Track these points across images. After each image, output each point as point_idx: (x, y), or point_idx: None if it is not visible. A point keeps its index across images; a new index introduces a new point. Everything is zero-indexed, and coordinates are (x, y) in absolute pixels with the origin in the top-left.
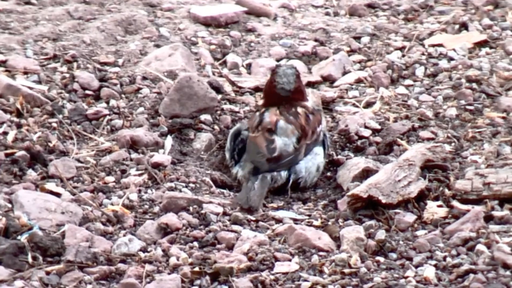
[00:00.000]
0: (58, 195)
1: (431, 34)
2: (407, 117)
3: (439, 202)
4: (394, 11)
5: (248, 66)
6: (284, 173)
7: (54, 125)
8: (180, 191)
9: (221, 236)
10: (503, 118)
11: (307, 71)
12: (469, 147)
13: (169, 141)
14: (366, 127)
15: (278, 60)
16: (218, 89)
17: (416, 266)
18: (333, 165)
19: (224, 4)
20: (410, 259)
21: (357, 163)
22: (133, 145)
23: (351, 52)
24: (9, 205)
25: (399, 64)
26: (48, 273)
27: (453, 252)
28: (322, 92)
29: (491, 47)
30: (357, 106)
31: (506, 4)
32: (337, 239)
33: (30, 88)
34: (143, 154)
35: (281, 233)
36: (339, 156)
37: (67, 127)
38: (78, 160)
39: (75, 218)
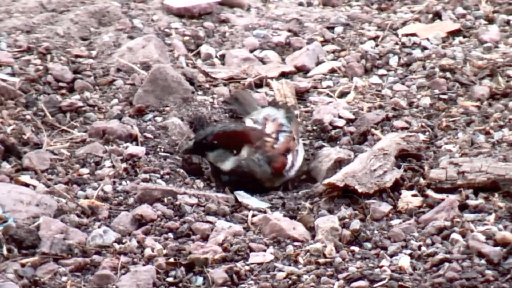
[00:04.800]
0: (32, 187)
1: (404, 23)
2: (381, 107)
3: (414, 192)
4: (367, 1)
5: (222, 57)
6: None
7: (28, 117)
8: (155, 182)
9: (195, 227)
10: (477, 107)
11: (281, 61)
12: (443, 136)
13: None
14: (340, 117)
15: (251, 51)
16: (191, 80)
17: (391, 256)
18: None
19: None
20: (385, 248)
21: (328, 154)
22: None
23: (325, 42)
24: None
25: (373, 54)
26: (23, 265)
27: (428, 241)
28: (296, 83)
29: (464, 36)
30: (331, 96)
31: None
32: (312, 229)
33: (4, 80)
34: (117, 145)
35: (256, 224)
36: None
37: (41, 119)
38: (53, 152)
39: (50, 210)
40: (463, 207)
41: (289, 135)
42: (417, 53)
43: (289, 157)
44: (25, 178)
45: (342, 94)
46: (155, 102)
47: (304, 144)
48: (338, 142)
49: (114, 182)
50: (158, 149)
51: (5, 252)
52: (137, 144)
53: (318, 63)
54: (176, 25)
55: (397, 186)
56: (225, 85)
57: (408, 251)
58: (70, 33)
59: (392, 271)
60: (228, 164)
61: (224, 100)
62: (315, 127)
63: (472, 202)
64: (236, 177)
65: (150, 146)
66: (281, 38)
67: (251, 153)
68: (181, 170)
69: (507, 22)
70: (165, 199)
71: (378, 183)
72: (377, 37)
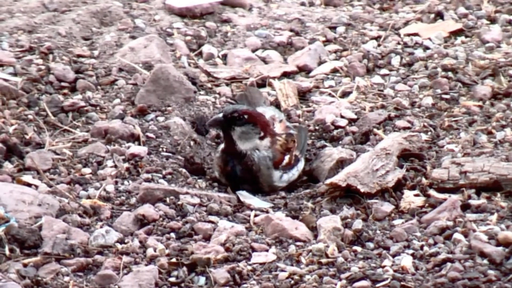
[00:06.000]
0: (34, 187)
1: (406, 23)
2: (383, 107)
3: (416, 191)
4: (369, 1)
5: (224, 57)
6: None
7: (30, 117)
8: (157, 182)
9: (198, 227)
10: (479, 106)
11: (283, 61)
12: (445, 136)
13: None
14: (342, 116)
15: (253, 51)
16: (193, 80)
17: (393, 256)
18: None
19: None
20: (387, 248)
21: (331, 154)
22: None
23: (327, 42)
24: None
25: (375, 54)
26: (25, 265)
27: (430, 241)
28: (298, 82)
29: (466, 36)
30: (333, 96)
31: None
32: (314, 229)
33: (6, 80)
34: (119, 145)
35: (258, 224)
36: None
37: (43, 119)
38: (55, 152)
39: (52, 210)
40: (465, 207)
41: (292, 137)
42: (419, 53)
43: (287, 156)
44: (27, 178)
45: (344, 94)
46: (157, 102)
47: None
48: (340, 142)
49: (116, 182)
50: (160, 149)
51: (7, 252)
52: (139, 144)
53: (320, 63)
54: (178, 25)
55: (399, 186)
56: (227, 84)
57: (411, 251)
58: (72, 33)
59: (395, 271)
60: (247, 145)
61: (233, 98)
62: (317, 127)
63: (474, 202)
64: (243, 169)
65: (152, 146)
66: (283, 38)
67: (267, 148)
68: (184, 170)
69: (509, 22)
70: (167, 199)
71: (380, 183)
72: (379, 37)
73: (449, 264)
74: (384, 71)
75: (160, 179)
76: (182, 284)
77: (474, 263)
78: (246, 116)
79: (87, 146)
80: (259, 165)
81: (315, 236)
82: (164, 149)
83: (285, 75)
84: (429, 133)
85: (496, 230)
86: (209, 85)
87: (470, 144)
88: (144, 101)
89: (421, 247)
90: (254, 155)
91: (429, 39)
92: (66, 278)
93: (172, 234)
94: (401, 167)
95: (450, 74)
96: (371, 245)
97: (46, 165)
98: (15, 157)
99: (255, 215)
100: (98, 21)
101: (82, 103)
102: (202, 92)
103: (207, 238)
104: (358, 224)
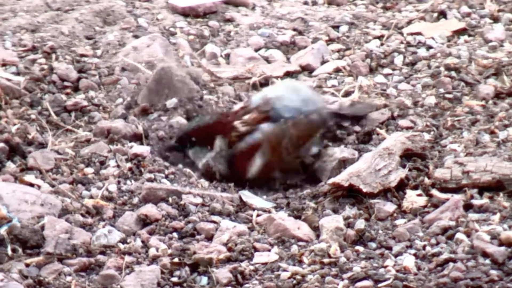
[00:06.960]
0: (37, 187)
1: (409, 22)
2: (385, 106)
3: (419, 191)
4: (372, 0)
5: (227, 56)
6: None
7: (33, 116)
8: (160, 182)
9: (200, 226)
10: (482, 106)
11: (286, 60)
12: (448, 136)
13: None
14: None
15: (256, 50)
16: (196, 79)
17: (396, 255)
18: None
19: None
20: (389, 248)
21: (332, 154)
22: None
23: (330, 41)
24: None
25: (378, 53)
26: (27, 265)
27: (433, 241)
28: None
29: (469, 35)
30: (336, 95)
31: None
32: (316, 229)
33: (9, 79)
34: (122, 145)
35: (261, 223)
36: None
37: (46, 118)
38: (57, 152)
39: (54, 210)
40: (467, 206)
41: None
42: (422, 52)
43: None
44: (29, 177)
45: (347, 93)
46: (160, 102)
47: None
48: (342, 142)
49: (118, 182)
50: None
51: (9, 252)
52: (141, 144)
53: (323, 62)
54: (181, 24)
55: (401, 185)
56: (230, 84)
57: (413, 251)
58: (75, 32)
59: (397, 271)
60: (200, 163)
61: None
62: None
63: (476, 201)
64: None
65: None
66: (286, 37)
67: (224, 146)
68: (188, 170)
69: None
70: (170, 199)
71: (382, 182)
72: (382, 36)
73: (451, 264)
74: (387, 70)
75: (162, 178)
76: (184, 284)
77: (477, 263)
78: (193, 139)
79: (89, 145)
80: (217, 167)
81: (318, 236)
82: None
83: (288, 74)
84: (432, 132)
85: (499, 230)
86: (212, 84)
87: (473, 144)
88: (147, 100)
89: (424, 247)
90: (210, 164)
91: (432, 38)
92: (69, 278)
93: (175, 234)
94: (403, 166)
95: (453, 73)
96: (373, 245)
97: (49, 164)
98: (18, 157)
99: (258, 215)
100: (101, 20)
101: (85, 103)
102: (205, 92)
103: (210, 238)
104: (360, 224)
